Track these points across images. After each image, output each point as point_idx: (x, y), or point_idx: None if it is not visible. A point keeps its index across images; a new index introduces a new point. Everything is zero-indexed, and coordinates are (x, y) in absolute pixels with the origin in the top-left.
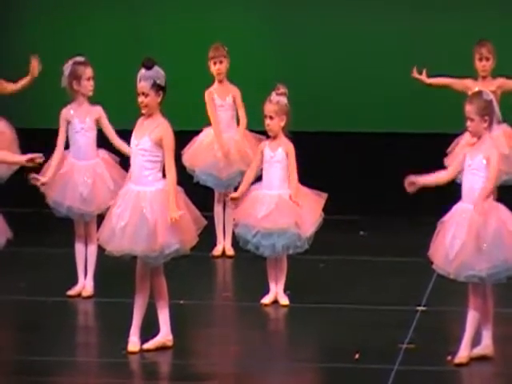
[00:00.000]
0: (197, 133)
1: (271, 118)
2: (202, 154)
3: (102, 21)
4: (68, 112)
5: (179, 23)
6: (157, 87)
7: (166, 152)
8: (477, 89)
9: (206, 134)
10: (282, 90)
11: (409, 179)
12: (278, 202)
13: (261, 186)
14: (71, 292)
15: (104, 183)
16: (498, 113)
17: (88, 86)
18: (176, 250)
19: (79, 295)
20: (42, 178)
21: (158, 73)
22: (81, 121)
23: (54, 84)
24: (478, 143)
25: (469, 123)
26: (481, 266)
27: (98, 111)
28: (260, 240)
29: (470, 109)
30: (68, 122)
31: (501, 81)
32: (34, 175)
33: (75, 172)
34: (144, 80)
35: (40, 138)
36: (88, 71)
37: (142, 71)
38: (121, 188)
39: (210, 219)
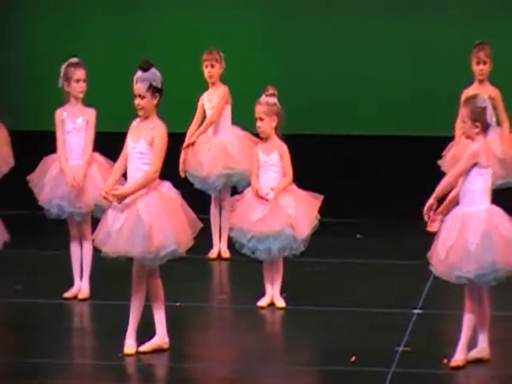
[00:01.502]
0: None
1: (261, 119)
2: (191, 156)
3: (101, 23)
4: (61, 113)
5: (178, 25)
6: (153, 89)
7: (154, 150)
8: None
9: (202, 138)
10: (272, 91)
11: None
12: (273, 206)
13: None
14: (67, 294)
15: (93, 181)
16: (493, 119)
17: (77, 88)
18: (172, 252)
19: (75, 297)
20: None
21: (154, 75)
22: (72, 121)
23: (51, 86)
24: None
25: (463, 125)
26: (469, 268)
27: (90, 113)
28: (256, 244)
29: (463, 111)
30: (62, 123)
31: (496, 93)
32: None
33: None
34: (140, 82)
35: (36, 140)
36: (78, 73)
37: (139, 73)
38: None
39: (207, 222)
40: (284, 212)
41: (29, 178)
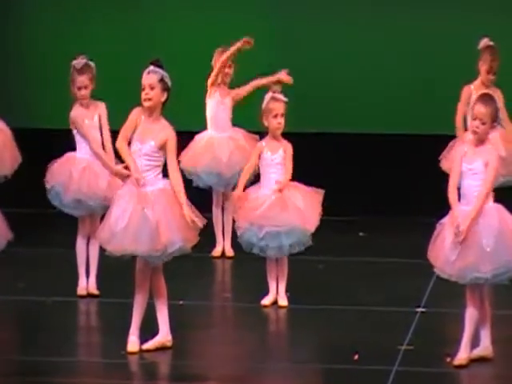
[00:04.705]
0: (197, 133)
1: (282, 115)
2: (201, 154)
3: (105, 20)
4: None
5: (183, 24)
6: (164, 84)
7: (170, 154)
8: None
9: (202, 136)
10: (278, 88)
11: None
12: (282, 201)
13: (259, 188)
14: (80, 292)
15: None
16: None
17: (78, 95)
18: (179, 249)
19: (82, 295)
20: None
21: (165, 72)
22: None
23: (56, 84)
24: (478, 147)
25: (478, 124)
26: (486, 268)
27: (101, 108)
28: (268, 242)
29: (484, 111)
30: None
31: (497, 93)
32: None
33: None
34: (152, 73)
35: (41, 138)
36: (80, 79)
37: (151, 67)
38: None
39: (209, 220)
40: (294, 207)
41: (48, 182)
